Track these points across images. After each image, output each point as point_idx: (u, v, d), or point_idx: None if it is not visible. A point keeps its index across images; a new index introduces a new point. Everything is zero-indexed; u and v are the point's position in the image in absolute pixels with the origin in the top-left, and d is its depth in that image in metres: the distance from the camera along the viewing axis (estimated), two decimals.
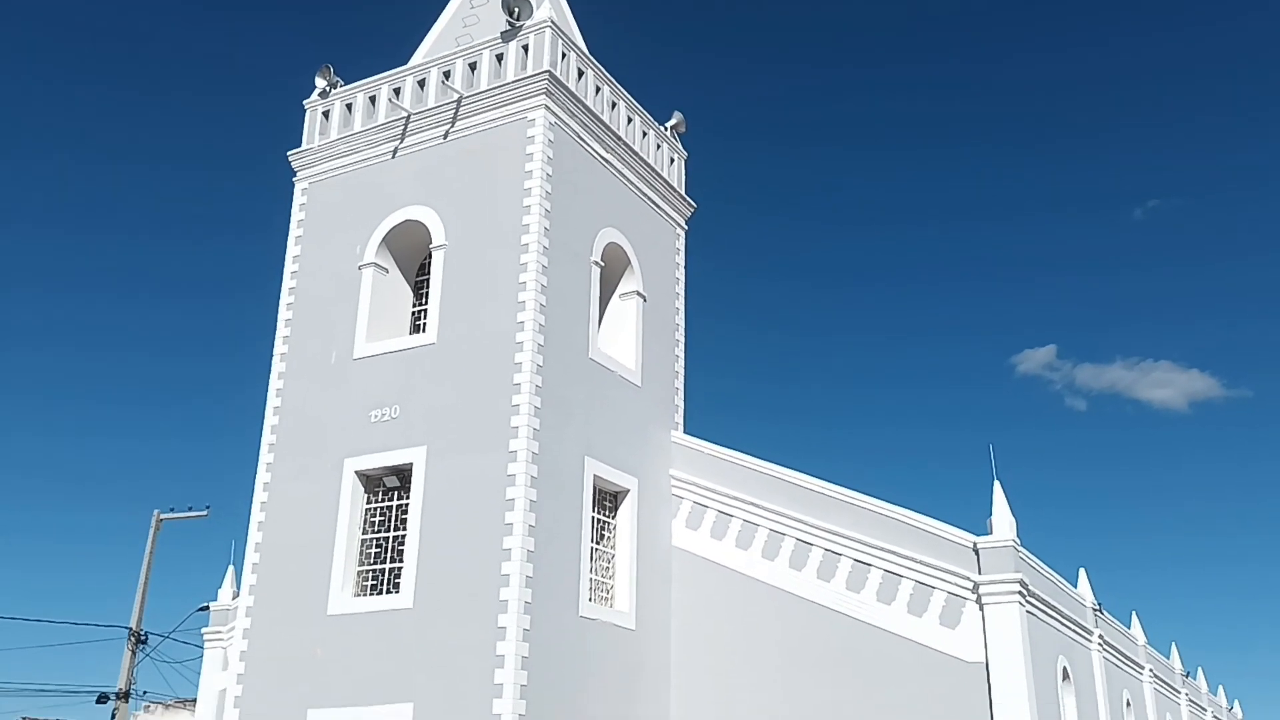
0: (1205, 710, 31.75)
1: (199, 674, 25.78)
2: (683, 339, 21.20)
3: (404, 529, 17.04)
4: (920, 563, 17.01)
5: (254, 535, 18.27)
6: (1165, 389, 78.49)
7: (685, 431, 20.22)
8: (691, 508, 19.31)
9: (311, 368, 18.72)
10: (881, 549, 17.36)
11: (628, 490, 18.41)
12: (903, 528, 17.38)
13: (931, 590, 16.90)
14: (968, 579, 16.58)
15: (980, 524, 17.06)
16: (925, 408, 71.92)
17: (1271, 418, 69.08)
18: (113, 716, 27.30)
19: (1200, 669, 32.76)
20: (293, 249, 19.90)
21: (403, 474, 17.34)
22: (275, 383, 19.09)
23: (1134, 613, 25.79)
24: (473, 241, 17.95)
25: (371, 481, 17.76)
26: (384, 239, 18.86)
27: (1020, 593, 16.31)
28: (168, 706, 42.23)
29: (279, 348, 19.28)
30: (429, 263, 18.75)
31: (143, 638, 27.97)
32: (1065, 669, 18.29)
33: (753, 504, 18.63)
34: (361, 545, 17.49)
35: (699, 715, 17.98)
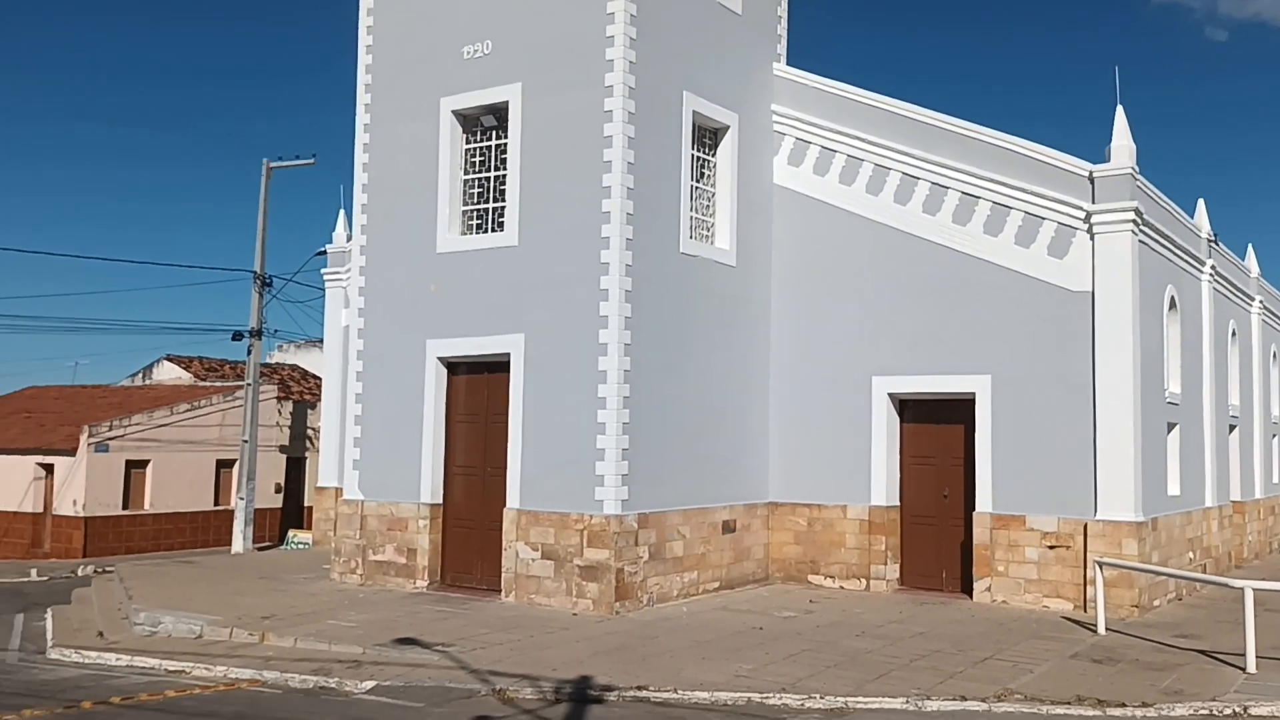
0: None
1: (322, 313, 27.41)
2: None
3: (504, 169, 17.08)
4: (1031, 193, 16.56)
5: (360, 177, 18.58)
6: None
7: (788, 64, 19.36)
8: (793, 144, 18.87)
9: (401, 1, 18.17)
10: (991, 180, 16.90)
11: (728, 126, 17.97)
12: (1015, 158, 16.79)
13: (1041, 221, 16.56)
14: (1080, 209, 16.15)
15: (1096, 155, 16.39)
16: (1042, 49, 67.44)
17: None
18: (248, 352, 29.30)
19: None
20: None
21: (499, 113, 17.14)
22: (364, 19, 18.65)
23: (1250, 245, 25.14)
24: None
25: (469, 121, 17.64)
26: None
27: (1134, 221, 15.88)
28: (298, 346, 45.40)
29: None
30: None
31: (267, 281, 29.42)
32: (1173, 298, 18.10)
33: (858, 138, 18.10)
34: (464, 185, 17.68)
35: (799, 349, 18.54)
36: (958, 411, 17.36)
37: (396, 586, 17.50)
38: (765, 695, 10.66)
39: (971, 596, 16.71)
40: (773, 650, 12.75)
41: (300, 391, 38.85)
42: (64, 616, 16.65)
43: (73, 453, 30.71)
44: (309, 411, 36.65)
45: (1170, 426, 18.02)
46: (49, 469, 31.45)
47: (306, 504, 35.28)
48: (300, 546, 26.95)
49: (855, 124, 18.14)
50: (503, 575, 16.35)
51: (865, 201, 18.04)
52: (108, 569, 23.04)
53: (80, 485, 30.47)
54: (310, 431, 36.32)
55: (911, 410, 18.00)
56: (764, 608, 15.93)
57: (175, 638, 14.15)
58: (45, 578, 24.28)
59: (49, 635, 15.07)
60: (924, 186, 17.55)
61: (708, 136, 17.96)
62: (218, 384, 37.42)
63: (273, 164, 29.01)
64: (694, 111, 17.14)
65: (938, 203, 17.42)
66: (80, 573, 24.55)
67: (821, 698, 10.55)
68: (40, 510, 31.57)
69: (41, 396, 38.82)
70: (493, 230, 17.23)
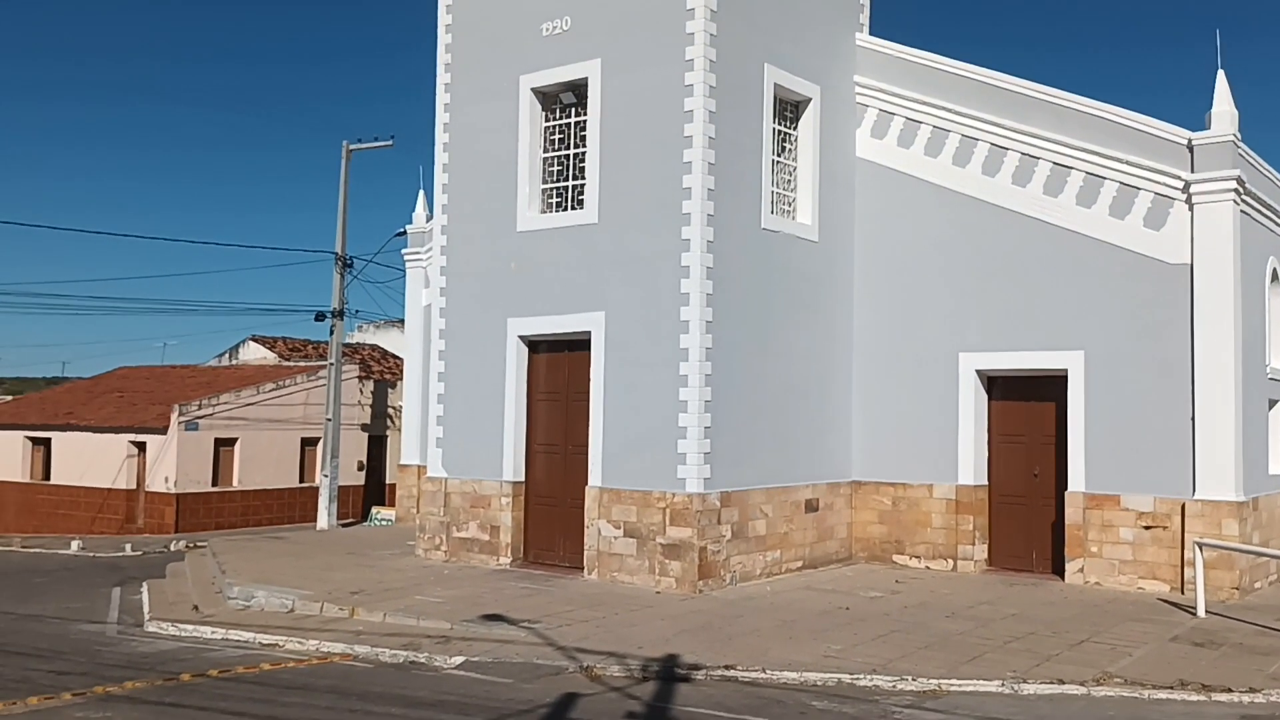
0: None
1: (403, 294, 27.69)
2: None
3: (584, 146, 17.01)
4: (1126, 163, 16.01)
5: (440, 157, 18.66)
6: None
7: (871, 34, 18.96)
8: (877, 116, 18.49)
9: None
10: (1084, 150, 16.37)
11: (809, 99, 17.66)
12: (1109, 126, 16.24)
13: (1136, 192, 16.01)
14: (1178, 178, 15.57)
15: (1195, 122, 15.77)
16: (1137, 13, 65.33)
17: None
18: (330, 333, 29.76)
19: None
20: None
21: (579, 90, 17.06)
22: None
23: None
24: None
25: (548, 99, 17.59)
26: None
27: (1236, 191, 15.27)
28: (378, 326, 46.04)
29: None
30: None
31: (349, 262, 29.82)
32: (1275, 270, 17.40)
33: (944, 109, 17.67)
34: (544, 163, 17.65)
35: (884, 324, 18.22)
36: (1048, 388, 16.92)
37: (480, 563, 17.65)
38: (855, 676, 10.51)
39: (1063, 578, 16.32)
40: (861, 631, 12.58)
41: (380, 371, 39.41)
42: (159, 590, 17.10)
43: (164, 431, 31.54)
44: (389, 391, 37.17)
45: (1272, 403, 17.37)
46: (141, 447, 32.36)
47: (388, 481, 35.84)
48: (383, 523, 27.37)
49: (941, 94, 17.71)
50: (585, 553, 16.38)
51: (952, 174, 17.62)
52: (200, 544, 23.65)
53: (171, 462, 31.31)
54: (391, 410, 36.85)
55: (1000, 387, 17.60)
56: (849, 588, 15.74)
57: (268, 611, 14.44)
58: (140, 552, 24.99)
59: (146, 608, 15.48)
60: (1013, 157, 17.08)
61: (789, 109, 17.68)
62: (301, 364, 38.13)
63: (352, 146, 29.35)
64: (775, 84, 16.87)
65: (1028, 174, 16.95)
66: (173, 547, 25.23)
67: (914, 680, 10.37)
68: (134, 487, 32.52)
69: (133, 376, 39.94)
70: (572, 208, 17.18)
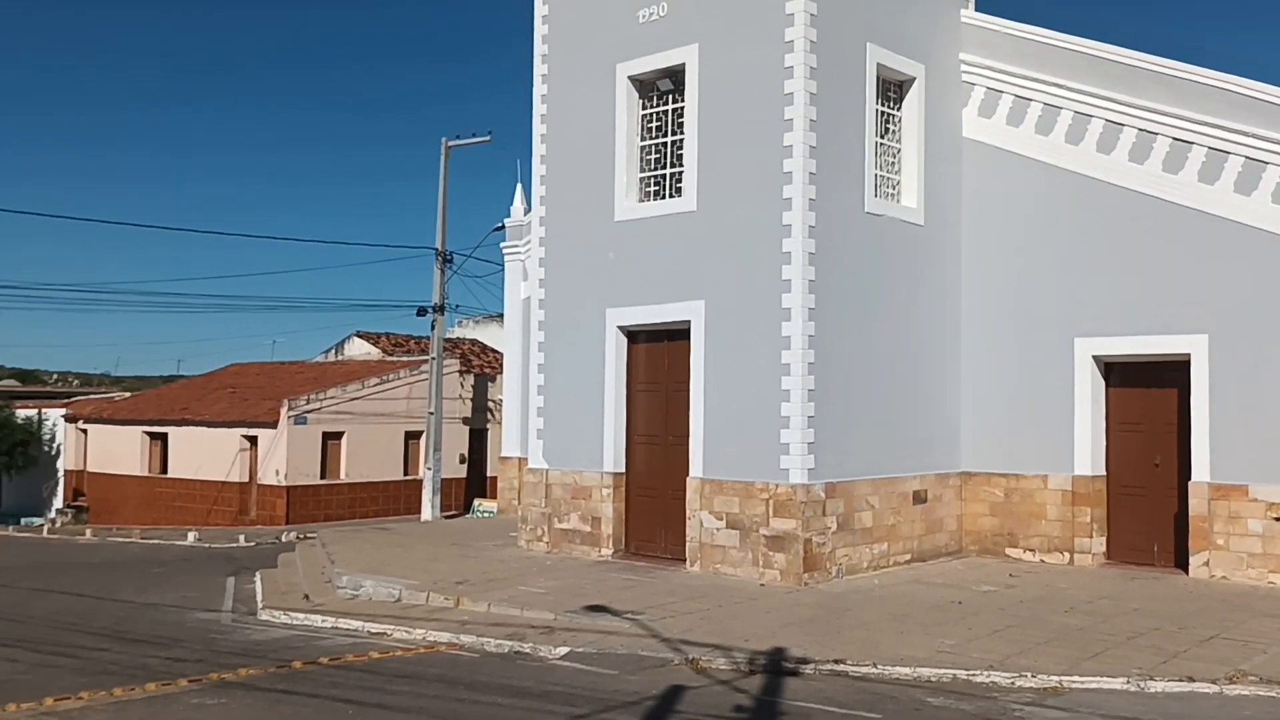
0: None
1: (501, 288, 27.90)
2: None
3: (681, 133, 16.82)
4: (1253, 136, 15.18)
5: (538, 148, 18.67)
6: None
7: (977, 9, 18.36)
8: (984, 94, 17.90)
9: None
10: (1206, 124, 15.56)
11: (913, 78, 17.18)
12: (1233, 98, 15.40)
13: (1264, 167, 15.17)
14: None
15: None
16: None
17: None
18: (432, 328, 30.14)
19: None
20: None
21: (676, 76, 16.87)
22: None
23: None
24: None
25: (645, 86, 17.44)
26: None
27: None
28: (476, 321, 46.60)
29: None
30: None
31: (448, 257, 30.17)
32: None
33: (1054, 85, 17.00)
34: (641, 152, 17.52)
35: (994, 310, 17.65)
36: (1169, 374, 16.16)
37: (582, 554, 17.63)
38: (972, 672, 10.14)
39: (1187, 571, 15.58)
40: (975, 625, 12.16)
41: (480, 365, 39.86)
42: (271, 579, 17.48)
43: (274, 425, 32.37)
44: (489, 384, 37.56)
45: None
46: (253, 441, 33.27)
47: (489, 474, 36.22)
48: (485, 514, 27.63)
49: (1052, 70, 17.05)
50: (687, 544, 16.22)
51: (1064, 152, 16.95)
52: (309, 535, 24.17)
53: (281, 456, 32.11)
54: (490, 404, 37.23)
55: (1118, 374, 16.88)
56: (960, 581, 15.27)
57: (375, 601, 14.62)
58: (252, 543, 25.66)
59: (259, 597, 15.83)
60: (1129, 134, 16.35)
61: (892, 89, 17.22)
62: (404, 359, 38.77)
63: (451, 142, 29.68)
64: (878, 64, 16.44)
65: (1145, 150, 16.20)
66: (284, 538, 25.85)
67: (1033, 676, 9.96)
68: (246, 480, 33.46)
69: (244, 373, 41.12)
70: (671, 196, 17.01)
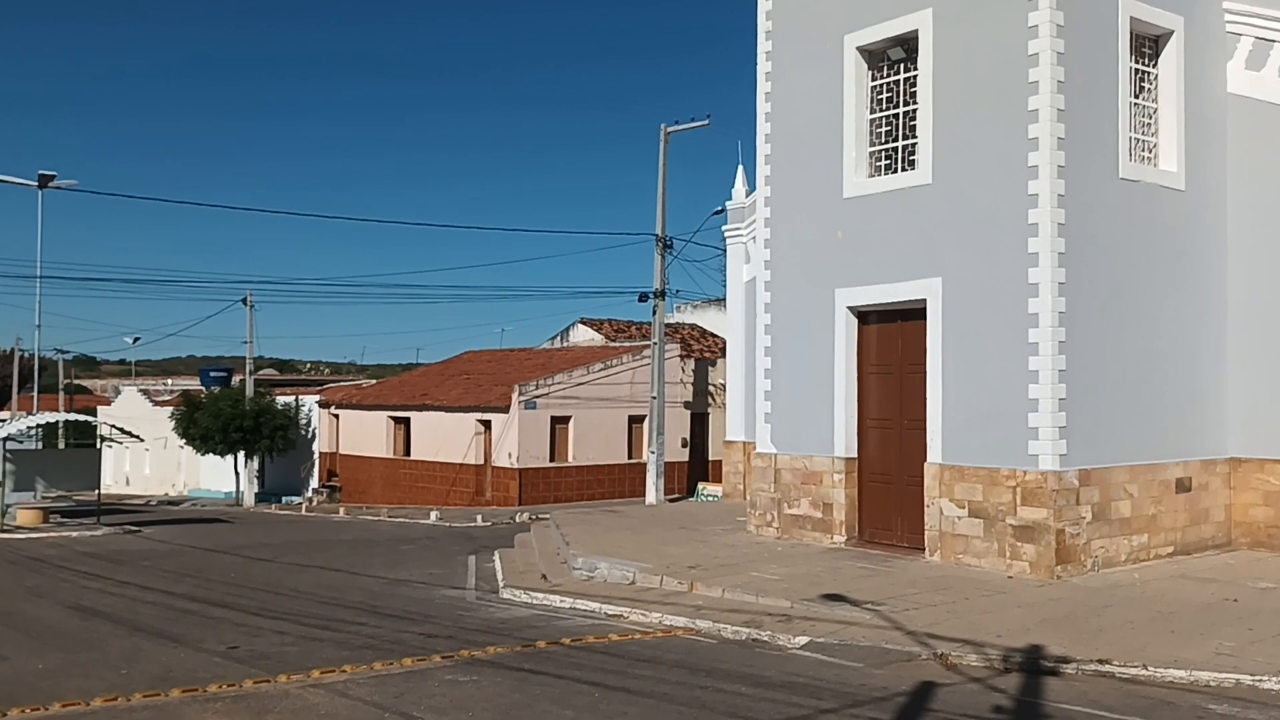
0: None
1: (721, 272, 27.78)
2: None
3: (914, 103, 16.10)
4: None
5: (762, 128, 18.34)
6: None
7: None
8: (1253, 45, 16.26)
9: None
10: None
11: (1171, 31, 15.79)
12: None
13: None
14: None
15: None
16: None
17: None
18: (653, 313, 30.38)
19: None
20: None
21: (908, 44, 16.16)
22: None
23: None
24: None
25: (874, 56, 16.81)
26: None
27: None
28: (695, 306, 46.74)
29: None
30: None
31: (668, 243, 30.32)
32: None
33: None
34: (870, 125, 16.91)
35: (1265, 282, 16.05)
36: None
37: (813, 541, 17.26)
38: (1258, 678, 9.19)
39: None
40: (1257, 627, 11.06)
41: (700, 350, 39.94)
42: (510, 559, 18.02)
43: (506, 410, 33.54)
44: (709, 369, 37.57)
45: None
46: (487, 425, 34.59)
47: (711, 457, 36.27)
48: (709, 499, 27.63)
49: None
50: (925, 533, 15.57)
51: None
52: (541, 516, 24.87)
53: (513, 439, 33.24)
54: (711, 388, 37.23)
55: None
56: (1232, 577, 13.98)
57: (610, 583, 14.77)
58: (489, 523, 26.66)
59: (499, 576, 16.32)
60: None
61: (1147, 45, 15.89)
62: (626, 344, 39.33)
63: (670, 128, 29.79)
64: (1131, 17, 15.20)
65: None
66: (517, 519, 26.71)
67: None
68: (481, 462, 34.85)
69: (476, 360, 42.86)
70: (903, 169, 16.33)
